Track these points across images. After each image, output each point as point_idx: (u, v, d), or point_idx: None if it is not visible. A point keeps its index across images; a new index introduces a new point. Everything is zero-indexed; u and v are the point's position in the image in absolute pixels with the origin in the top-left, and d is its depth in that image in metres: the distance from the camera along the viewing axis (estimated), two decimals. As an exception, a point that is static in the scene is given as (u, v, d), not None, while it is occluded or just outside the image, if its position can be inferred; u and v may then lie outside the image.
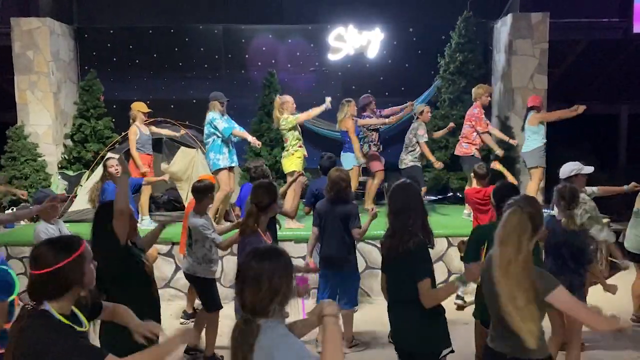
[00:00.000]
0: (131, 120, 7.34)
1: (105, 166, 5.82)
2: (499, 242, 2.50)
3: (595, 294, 4.64)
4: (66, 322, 2.10)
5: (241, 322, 1.98)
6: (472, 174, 5.96)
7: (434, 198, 9.23)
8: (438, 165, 7.50)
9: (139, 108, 7.33)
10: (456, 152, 7.73)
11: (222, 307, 4.84)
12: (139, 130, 7.20)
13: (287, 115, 6.92)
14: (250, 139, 6.79)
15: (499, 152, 7.34)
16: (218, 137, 6.67)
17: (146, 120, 7.44)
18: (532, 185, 7.43)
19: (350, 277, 4.95)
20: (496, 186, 4.04)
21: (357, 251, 5.22)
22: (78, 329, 2.15)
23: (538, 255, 3.91)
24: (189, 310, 5.84)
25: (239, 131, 6.82)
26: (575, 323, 4.12)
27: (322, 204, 4.91)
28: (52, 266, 2.07)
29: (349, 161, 7.36)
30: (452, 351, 3.25)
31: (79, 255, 2.15)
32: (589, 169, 4.96)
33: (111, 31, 9.47)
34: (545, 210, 7.04)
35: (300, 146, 6.97)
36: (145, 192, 7.24)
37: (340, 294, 4.90)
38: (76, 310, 2.24)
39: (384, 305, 3.46)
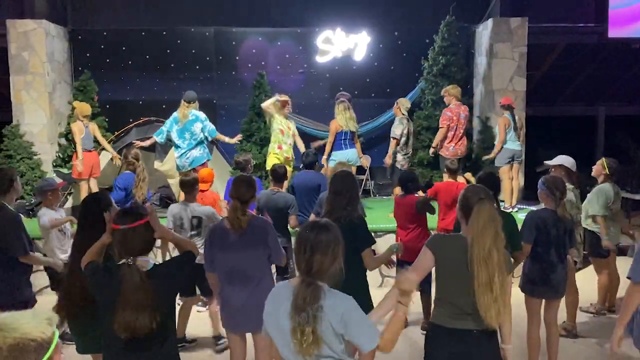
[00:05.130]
0: (74, 117, 7.77)
1: (125, 156, 6.22)
2: None
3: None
4: None
5: (304, 285, 2.20)
6: (445, 169, 6.11)
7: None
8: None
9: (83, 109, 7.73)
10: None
11: None
12: (84, 128, 7.60)
13: (275, 114, 7.40)
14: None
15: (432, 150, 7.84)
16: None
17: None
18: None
19: None
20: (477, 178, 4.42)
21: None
22: None
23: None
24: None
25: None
26: (533, 303, 4.32)
27: (263, 195, 5.31)
28: None
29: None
30: None
31: None
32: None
33: (105, 33, 9.67)
34: (524, 207, 7.42)
35: (279, 147, 7.27)
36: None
37: None
38: None
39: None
